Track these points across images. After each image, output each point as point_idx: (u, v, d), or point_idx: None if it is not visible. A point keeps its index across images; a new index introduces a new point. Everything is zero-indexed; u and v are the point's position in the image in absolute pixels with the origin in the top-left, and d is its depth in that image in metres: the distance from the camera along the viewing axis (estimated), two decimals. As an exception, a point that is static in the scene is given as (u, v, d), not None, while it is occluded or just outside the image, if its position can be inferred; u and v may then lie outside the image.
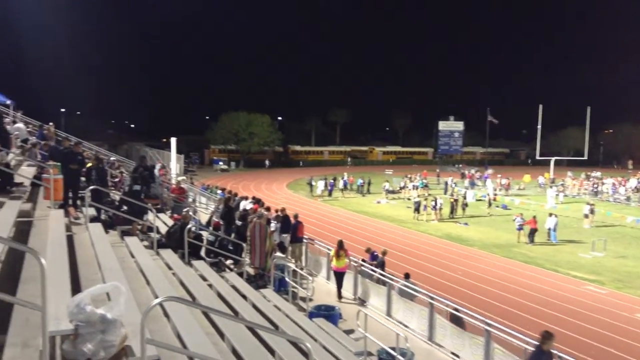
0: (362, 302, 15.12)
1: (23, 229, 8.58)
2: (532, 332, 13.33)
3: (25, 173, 13.02)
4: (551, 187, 49.07)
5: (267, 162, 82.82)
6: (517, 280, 20.92)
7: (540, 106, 57.37)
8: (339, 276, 15.52)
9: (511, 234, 29.09)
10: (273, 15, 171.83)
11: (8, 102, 25.21)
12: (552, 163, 60.77)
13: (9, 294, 4.62)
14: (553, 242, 27.87)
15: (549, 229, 28.25)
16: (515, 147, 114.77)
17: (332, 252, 15.88)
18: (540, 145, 61.33)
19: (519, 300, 18.25)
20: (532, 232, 27.72)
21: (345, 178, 50.45)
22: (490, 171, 59.33)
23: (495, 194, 45.51)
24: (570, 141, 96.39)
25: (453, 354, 11.80)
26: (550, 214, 29.29)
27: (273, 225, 16.82)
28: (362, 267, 15.79)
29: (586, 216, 33.40)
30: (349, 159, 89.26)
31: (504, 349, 10.60)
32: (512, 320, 15.39)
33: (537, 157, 61.76)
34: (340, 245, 15.60)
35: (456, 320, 12.36)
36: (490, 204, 38.37)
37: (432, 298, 12.84)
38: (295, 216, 18.29)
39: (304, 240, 18.11)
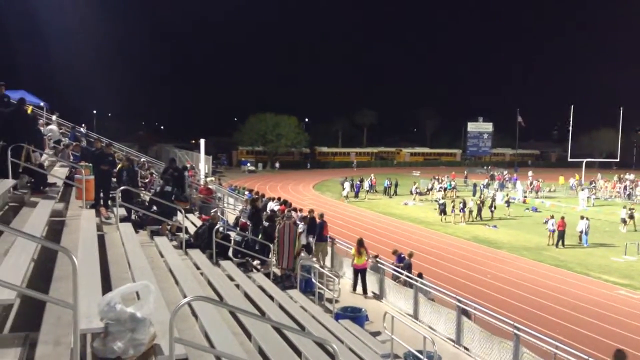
0: (383, 301, 15.06)
1: (56, 229, 8.79)
2: (562, 337, 13.13)
3: (58, 174, 13.33)
4: (583, 189, 48.06)
5: (308, 165, 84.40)
6: (547, 283, 20.56)
7: (572, 107, 56.34)
8: (361, 273, 15.77)
9: (541, 237, 28.61)
10: (300, 16, 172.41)
11: (41, 104, 25.88)
12: (583, 165, 59.55)
13: (42, 292, 4.73)
14: (584, 245, 27.33)
15: (581, 232, 27.70)
16: (546, 148, 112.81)
17: (352, 250, 16.12)
18: (572, 147, 60.21)
19: (548, 304, 17.94)
20: (561, 235, 27.21)
21: (370, 179, 50.24)
22: (530, 173, 57.57)
23: (525, 196, 44.81)
24: (602, 142, 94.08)
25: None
26: (582, 217, 28.68)
27: (301, 226, 16.87)
28: (383, 267, 15.73)
29: (624, 221, 32.44)
30: (354, 162, 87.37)
31: (533, 353, 10.44)
32: (541, 324, 15.14)
33: (569, 159, 60.60)
34: (361, 243, 15.86)
35: (464, 313, 12.49)
36: (508, 204, 37.78)
37: (459, 301, 12.71)
38: (321, 215, 18.34)
39: (329, 240, 18.17)
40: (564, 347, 10.16)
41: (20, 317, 5.11)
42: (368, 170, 70.88)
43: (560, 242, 27.18)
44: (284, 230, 14.01)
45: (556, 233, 27.44)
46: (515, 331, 10.73)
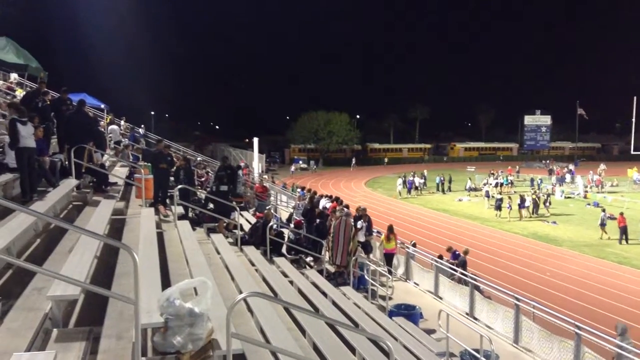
0: (438, 298, 14.86)
1: (117, 226, 9.12)
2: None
3: (119, 173, 13.83)
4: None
5: (353, 161, 79.19)
6: (609, 281, 19.76)
7: (635, 98, 53.83)
8: (389, 257, 16.74)
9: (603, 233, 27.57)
10: (351, 13, 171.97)
11: (102, 106, 26.89)
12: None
13: (105, 288, 4.90)
14: (647, 241, 26.17)
15: (645, 228, 26.52)
16: (608, 141, 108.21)
17: (382, 236, 17.17)
18: (635, 139, 57.51)
19: (611, 303, 17.25)
20: (623, 231, 26.21)
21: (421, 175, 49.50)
22: (603, 167, 54.98)
23: (587, 191, 43.16)
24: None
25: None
26: (647, 213, 27.43)
27: (359, 224, 16.81)
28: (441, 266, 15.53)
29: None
30: (353, 161, 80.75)
31: (595, 353, 10.06)
32: (604, 323, 14.57)
33: (632, 152, 57.92)
34: (391, 229, 16.92)
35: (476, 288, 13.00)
36: (548, 199, 36.07)
37: (517, 299, 12.38)
38: (364, 209, 18.41)
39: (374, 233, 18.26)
40: (628, 347, 9.76)
41: (85, 312, 5.33)
42: (420, 166, 70.00)
43: (623, 239, 26.10)
44: (340, 226, 13.85)
45: (606, 227, 26.75)
46: (577, 330, 10.36)
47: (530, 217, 33.36)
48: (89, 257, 5.71)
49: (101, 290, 4.49)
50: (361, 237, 16.88)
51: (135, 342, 4.13)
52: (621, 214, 26.82)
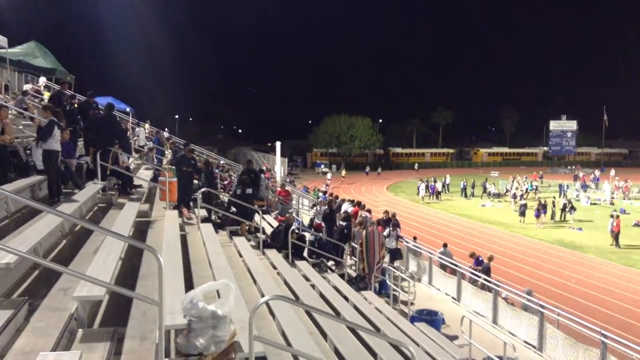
0: (460, 304, 14.69)
1: (141, 228, 9.21)
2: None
3: (143, 176, 13.99)
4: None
5: (367, 169, 73.79)
6: (636, 289, 19.32)
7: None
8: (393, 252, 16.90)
9: (629, 240, 27.18)
10: (374, 17, 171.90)
11: (128, 109, 27.30)
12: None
13: (129, 289, 4.95)
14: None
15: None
16: (636, 147, 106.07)
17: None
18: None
19: (638, 311, 16.84)
20: (616, 236, 26.59)
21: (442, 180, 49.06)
22: (612, 173, 54.39)
23: (613, 197, 42.34)
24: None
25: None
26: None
27: (387, 231, 16.78)
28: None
29: None
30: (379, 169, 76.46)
31: (622, 362, 9.87)
32: (631, 332, 14.27)
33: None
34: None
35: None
36: (569, 209, 34.78)
37: (542, 307, 12.19)
38: (393, 215, 18.37)
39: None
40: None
41: (109, 313, 5.39)
42: (443, 171, 69.42)
43: (617, 243, 26.54)
44: (373, 237, 13.55)
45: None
46: (602, 338, 10.16)
47: (556, 222, 32.88)
48: (114, 259, 5.78)
49: (125, 292, 4.53)
50: (391, 244, 16.81)
51: (158, 344, 4.16)
52: (617, 217, 26.97)
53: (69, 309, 4.79)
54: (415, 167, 78.08)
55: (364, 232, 13.77)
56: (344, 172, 67.42)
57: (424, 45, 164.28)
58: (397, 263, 17.00)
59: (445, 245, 18.25)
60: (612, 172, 56.42)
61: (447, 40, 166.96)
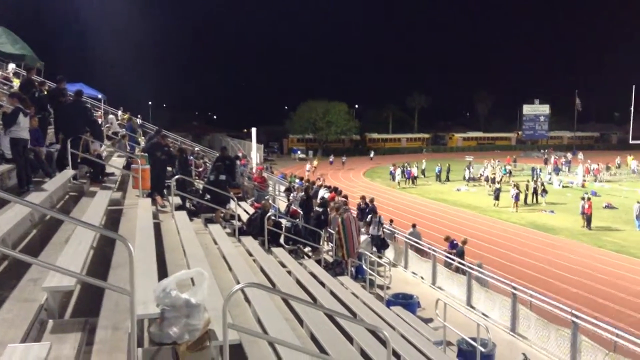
0: (435, 287, 14.89)
1: (114, 217, 9.08)
2: (622, 324, 12.64)
3: (116, 164, 13.77)
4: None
5: (331, 157, 69.66)
6: (606, 270, 19.83)
7: (634, 87, 53.83)
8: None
9: (600, 222, 27.86)
10: (350, 3, 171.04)
11: (99, 96, 26.77)
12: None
13: (101, 279, 4.88)
14: (637, 230, 26.61)
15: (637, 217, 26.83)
16: (607, 130, 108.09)
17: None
18: (634, 129, 57.55)
19: (608, 291, 17.31)
20: (588, 218, 27.25)
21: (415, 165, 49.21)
22: (580, 156, 55.47)
23: (584, 180, 43.20)
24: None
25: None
26: (638, 201, 27.53)
27: (368, 217, 16.84)
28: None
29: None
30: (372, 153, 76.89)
31: (592, 341, 10.11)
32: (602, 311, 14.66)
33: (630, 141, 57.97)
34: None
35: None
36: (543, 193, 35.72)
37: (514, 288, 12.42)
38: (371, 200, 18.44)
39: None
40: (625, 335, 9.79)
41: (80, 303, 5.31)
42: (419, 156, 69.82)
43: (588, 225, 27.22)
44: (349, 222, 13.62)
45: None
46: (574, 319, 10.41)
47: (529, 205, 33.47)
48: (85, 248, 5.68)
49: (97, 281, 4.46)
50: (374, 230, 16.85)
51: (131, 333, 4.11)
52: (589, 199, 27.70)
53: (39, 300, 4.70)
54: (371, 156, 75.69)
55: (339, 218, 13.77)
56: (315, 162, 60.35)
57: (400, 30, 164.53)
58: (386, 253, 16.92)
59: (414, 226, 18.45)
60: (580, 155, 57.68)
61: (423, 25, 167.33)
